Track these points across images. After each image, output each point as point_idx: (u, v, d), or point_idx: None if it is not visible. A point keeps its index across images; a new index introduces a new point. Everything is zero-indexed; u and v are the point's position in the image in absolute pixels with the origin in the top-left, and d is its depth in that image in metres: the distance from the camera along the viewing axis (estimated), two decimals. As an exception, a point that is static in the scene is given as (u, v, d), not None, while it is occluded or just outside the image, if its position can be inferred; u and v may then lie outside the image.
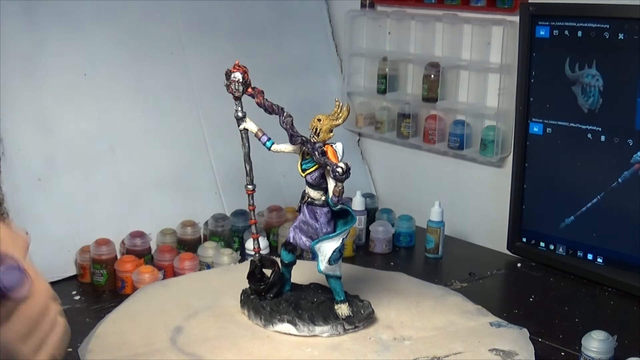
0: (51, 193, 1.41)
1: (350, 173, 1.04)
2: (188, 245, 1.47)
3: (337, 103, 1.08)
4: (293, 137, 1.07)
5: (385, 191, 1.89)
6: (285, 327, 1.12)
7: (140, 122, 1.56)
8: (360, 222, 1.59)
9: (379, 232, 1.57)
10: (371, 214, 1.66)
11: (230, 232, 1.52)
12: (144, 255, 1.41)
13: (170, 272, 1.37)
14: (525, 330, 1.16)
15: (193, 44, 1.65)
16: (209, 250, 1.41)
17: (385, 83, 1.77)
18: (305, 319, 1.11)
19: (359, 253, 1.56)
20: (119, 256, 1.40)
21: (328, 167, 1.04)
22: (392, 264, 1.51)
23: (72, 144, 1.46)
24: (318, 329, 1.11)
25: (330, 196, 1.07)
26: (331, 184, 1.07)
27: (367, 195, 1.69)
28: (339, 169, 1.03)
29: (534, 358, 1.08)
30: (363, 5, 1.84)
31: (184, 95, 1.62)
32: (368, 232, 1.59)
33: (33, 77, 1.44)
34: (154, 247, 1.46)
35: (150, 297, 1.25)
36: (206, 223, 1.53)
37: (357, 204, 1.60)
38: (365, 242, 1.60)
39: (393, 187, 1.88)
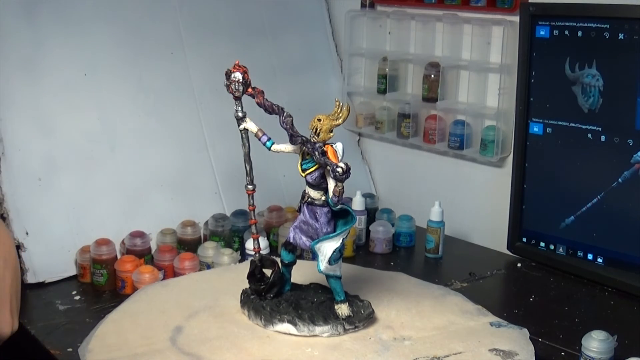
0: (51, 193, 1.41)
1: (350, 173, 1.04)
2: (188, 245, 1.47)
3: (337, 103, 1.08)
4: (293, 137, 1.07)
5: (385, 191, 1.89)
6: (285, 327, 1.12)
7: (140, 122, 1.56)
8: (360, 222, 1.59)
9: (379, 232, 1.57)
10: (371, 214, 1.66)
11: (230, 232, 1.52)
12: (144, 255, 1.41)
13: (170, 272, 1.37)
14: (525, 330, 1.16)
15: (193, 43, 1.65)
16: (209, 250, 1.41)
17: (385, 83, 1.77)
18: (305, 319, 1.11)
19: (359, 253, 1.56)
20: (119, 256, 1.40)
21: (328, 167, 1.04)
22: (392, 264, 1.51)
23: (72, 144, 1.46)
24: (318, 329, 1.11)
25: (330, 196, 1.07)
26: (331, 184, 1.07)
27: (367, 195, 1.69)
28: (339, 169, 1.02)
29: (534, 358, 1.08)
30: (363, 5, 1.84)
31: (184, 95, 1.62)
32: (368, 232, 1.59)
33: (33, 77, 1.44)
34: (154, 247, 1.46)
35: (150, 297, 1.25)
36: (206, 223, 1.53)
37: (357, 204, 1.60)
38: (365, 242, 1.60)
39: (393, 187, 1.88)
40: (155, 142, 1.57)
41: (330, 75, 1.90)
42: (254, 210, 1.18)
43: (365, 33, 1.84)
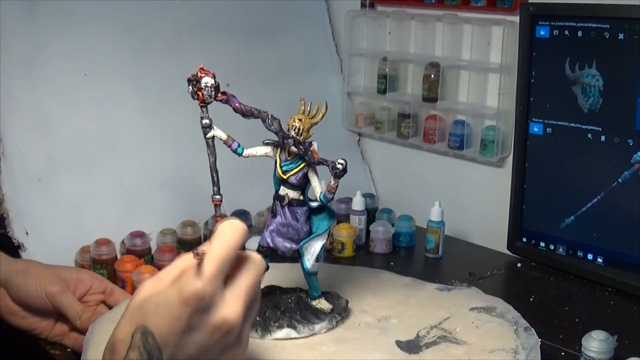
0: (51, 193, 1.41)
1: (347, 169, 1.03)
2: (188, 245, 1.47)
3: (302, 102, 1.06)
4: (285, 139, 1.05)
5: (385, 191, 1.89)
6: (286, 332, 1.09)
7: (140, 121, 1.56)
8: (360, 222, 1.59)
9: (379, 232, 1.57)
10: (371, 214, 1.66)
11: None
12: (144, 255, 1.41)
13: (170, 272, 1.37)
14: (475, 288, 1.22)
15: (193, 43, 1.65)
16: (209, 250, 1.41)
17: (385, 83, 1.77)
18: (300, 320, 1.10)
19: (359, 253, 1.56)
20: (119, 256, 1.40)
21: (324, 165, 1.03)
22: (392, 264, 1.51)
23: (72, 144, 1.46)
24: (317, 327, 1.10)
25: (320, 193, 1.06)
26: (316, 181, 1.06)
27: (367, 195, 1.68)
28: (339, 166, 1.02)
29: (511, 307, 1.14)
30: (363, 5, 1.84)
31: (184, 95, 1.61)
32: (368, 232, 1.59)
33: (33, 77, 1.44)
34: (154, 247, 1.46)
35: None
36: (206, 223, 1.53)
37: (357, 204, 1.60)
38: (365, 242, 1.60)
39: (393, 187, 1.88)
40: (155, 142, 1.57)
41: (330, 75, 1.90)
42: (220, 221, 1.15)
43: (365, 33, 1.84)
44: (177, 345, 0.65)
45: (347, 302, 1.15)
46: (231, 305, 0.67)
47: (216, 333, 0.67)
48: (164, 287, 0.67)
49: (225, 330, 0.67)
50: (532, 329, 1.10)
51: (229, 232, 0.70)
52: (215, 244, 0.69)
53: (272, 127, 1.05)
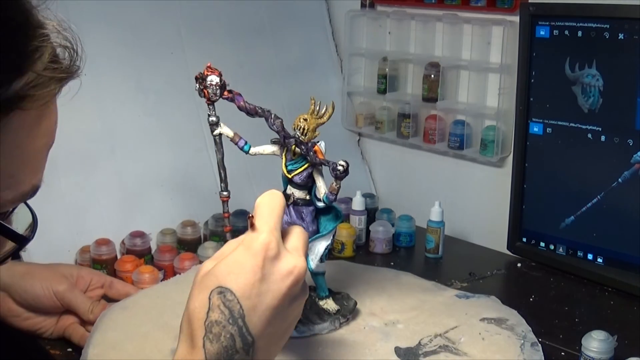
0: (51, 193, 1.41)
1: (349, 171, 1.03)
2: (188, 245, 1.47)
3: (312, 101, 1.06)
4: (286, 139, 1.05)
5: (385, 191, 1.89)
6: None
7: (140, 122, 1.56)
8: (360, 222, 1.59)
9: (379, 232, 1.57)
10: (371, 214, 1.66)
11: (230, 232, 1.51)
12: (144, 255, 1.41)
13: (170, 272, 1.37)
14: (494, 297, 1.19)
15: (193, 43, 1.65)
16: (209, 250, 1.41)
17: (385, 83, 1.77)
18: (302, 320, 1.10)
19: (359, 253, 1.56)
20: (119, 256, 1.40)
21: (326, 166, 1.03)
22: (392, 264, 1.51)
23: (72, 144, 1.46)
24: (317, 327, 1.10)
25: (324, 194, 1.06)
26: (320, 182, 1.06)
27: (367, 195, 1.68)
28: (340, 167, 1.02)
29: (524, 320, 1.12)
30: (363, 5, 1.84)
31: (184, 95, 1.62)
32: (368, 232, 1.59)
33: (33, 77, 1.43)
34: (154, 247, 1.46)
35: (120, 324, 1.11)
36: (206, 223, 1.53)
37: (357, 204, 1.60)
38: (365, 242, 1.60)
39: (393, 187, 1.88)
40: (155, 142, 1.57)
41: (330, 75, 1.90)
42: (229, 217, 1.15)
43: (365, 33, 1.84)
44: (257, 295, 0.70)
45: (355, 304, 1.15)
46: (295, 255, 0.74)
47: (287, 279, 0.72)
48: (228, 252, 0.73)
49: (295, 276, 0.73)
50: (539, 345, 1.08)
51: (269, 195, 0.78)
52: (262, 205, 0.76)
53: (274, 126, 1.05)
